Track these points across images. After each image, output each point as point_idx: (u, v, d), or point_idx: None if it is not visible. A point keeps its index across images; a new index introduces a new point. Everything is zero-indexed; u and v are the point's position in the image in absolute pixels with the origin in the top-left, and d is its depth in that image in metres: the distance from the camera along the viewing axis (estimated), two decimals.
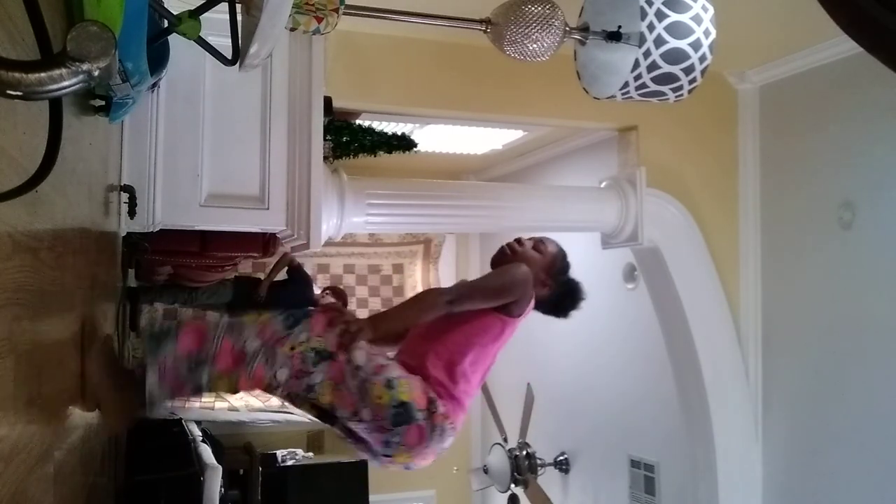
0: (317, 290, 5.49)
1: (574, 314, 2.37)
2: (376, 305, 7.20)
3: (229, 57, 1.82)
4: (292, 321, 1.89)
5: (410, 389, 1.88)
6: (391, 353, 2.09)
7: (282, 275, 5.20)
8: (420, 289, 7.18)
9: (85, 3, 1.23)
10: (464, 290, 2.11)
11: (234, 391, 1.92)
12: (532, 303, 2.18)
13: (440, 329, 2.06)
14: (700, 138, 4.31)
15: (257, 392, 1.89)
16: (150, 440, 3.40)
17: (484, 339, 2.08)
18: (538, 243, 2.32)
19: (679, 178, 4.23)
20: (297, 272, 5.26)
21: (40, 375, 1.18)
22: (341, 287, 6.12)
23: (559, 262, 2.30)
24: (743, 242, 4.34)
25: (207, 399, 5.46)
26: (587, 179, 4.56)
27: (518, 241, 2.34)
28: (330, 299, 5.35)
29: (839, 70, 3.80)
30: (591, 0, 2.16)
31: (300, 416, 5.03)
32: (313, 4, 1.88)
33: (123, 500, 2.85)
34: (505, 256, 2.28)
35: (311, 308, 1.92)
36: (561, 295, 2.29)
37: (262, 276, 5.40)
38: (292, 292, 5.12)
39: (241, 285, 5.00)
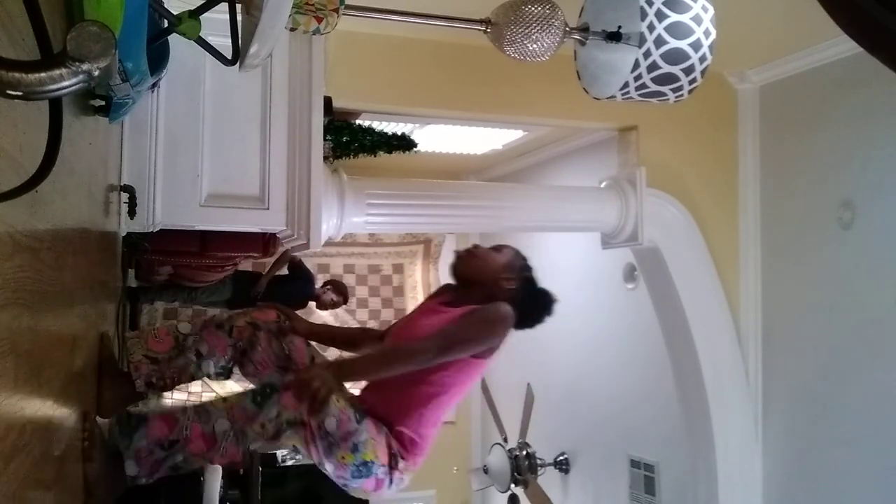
0: (318, 286, 5.49)
1: (559, 317, 2.28)
2: (376, 305, 7.21)
3: (229, 57, 1.82)
4: (260, 399, 1.88)
5: (375, 450, 1.90)
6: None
7: (283, 271, 5.20)
8: (420, 289, 7.18)
9: (85, 3, 1.23)
10: (445, 345, 1.95)
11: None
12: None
13: (412, 377, 1.98)
14: (700, 138, 4.31)
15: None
16: None
17: (459, 385, 2.05)
18: (495, 246, 2.30)
19: (679, 178, 4.23)
20: (298, 268, 5.26)
21: (40, 375, 1.18)
22: (342, 281, 6.11)
23: (519, 259, 2.26)
24: (743, 242, 4.34)
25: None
26: (587, 179, 4.56)
27: (475, 246, 2.32)
28: (332, 295, 5.35)
29: (839, 70, 3.80)
30: (591, 0, 2.16)
31: None
32: (313, 4, 1.88)
33: (123, 501, 2.85)
34: (467, 264, 2.23)
35: (275, 385, 1.90)
36: (528, 296, 2.19)
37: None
38: (293, 288, 5.13)
39: (240, 281, 5.00)
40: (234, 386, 5.28)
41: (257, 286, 4.95)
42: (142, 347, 2.03)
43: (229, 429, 1.87)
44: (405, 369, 1.95)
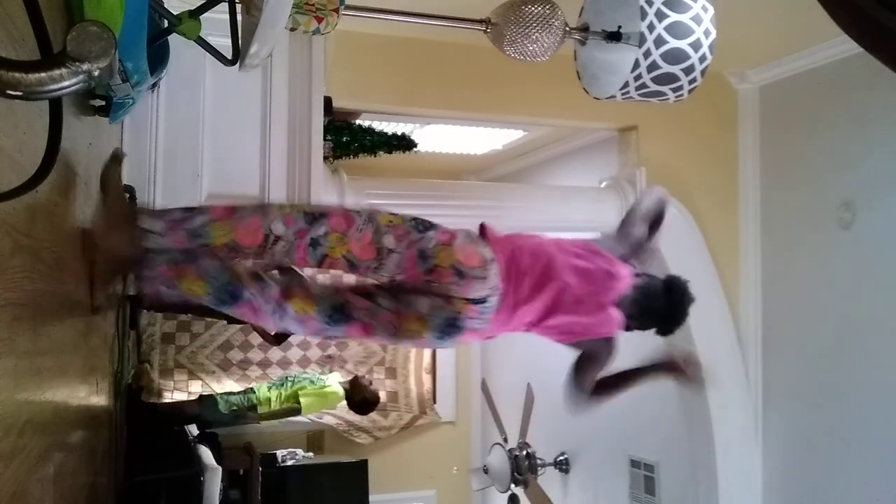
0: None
1: None
2: None
3: (229, 57, 1.82)
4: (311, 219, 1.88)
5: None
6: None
7: None
8: None
9: (85, 3, 1.23)
10: None
11: (229, 240, 1.84)
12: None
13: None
14: (700, 138, 4.31)
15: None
16: (150, 440, 3.40)
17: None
18: None
19: (679, 178, 4.22)
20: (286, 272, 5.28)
21: (40, 375, 1.18)
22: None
23: None
24: (743, 242, 4.34)
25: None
26: (587, 179, 4.56)
27: None
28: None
29: (839, 70, 3.79)
30: (591, 0, 2.16)
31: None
32: (313, 4, 1.88)
33: (123, 500, 2.85)
34: None
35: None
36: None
37: None
38: None
39: None
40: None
41: None
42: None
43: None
44: None
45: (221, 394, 4.75)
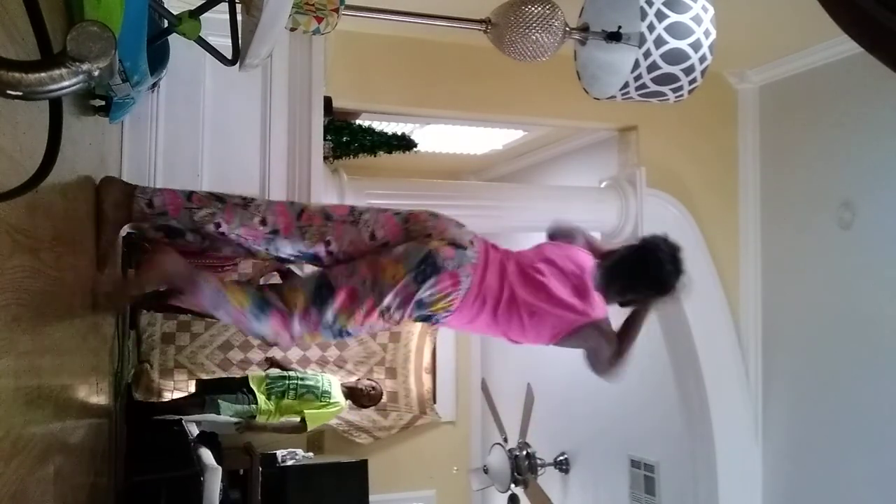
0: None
1: None
2: None
3: (229, 57, 1.82)
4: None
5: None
6: None
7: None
8: None
9: (85, 3, 1.24)
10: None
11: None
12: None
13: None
14: (700, 138, 4.31)
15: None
16: (150, 440, 3.40)
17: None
18: None
19: (679, 178, 4.22)
20: (287, 276, 5.23)
21: (40, 375, 1.18)
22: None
23: None
24: (743, 243, 4.34)
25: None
26: (587, 179, 4.55)
27: None
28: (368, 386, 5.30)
29: (839, 70, 3.79)
30: (591, 0, 2.16)
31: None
32: (313, 4, 1.88)
33: (123, 500, 2.85)
34: None
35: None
36: None
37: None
38: None
39: None
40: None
41: None
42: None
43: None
44: None
45: (223, 396, 4.64)
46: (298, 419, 4.74)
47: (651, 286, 2.14)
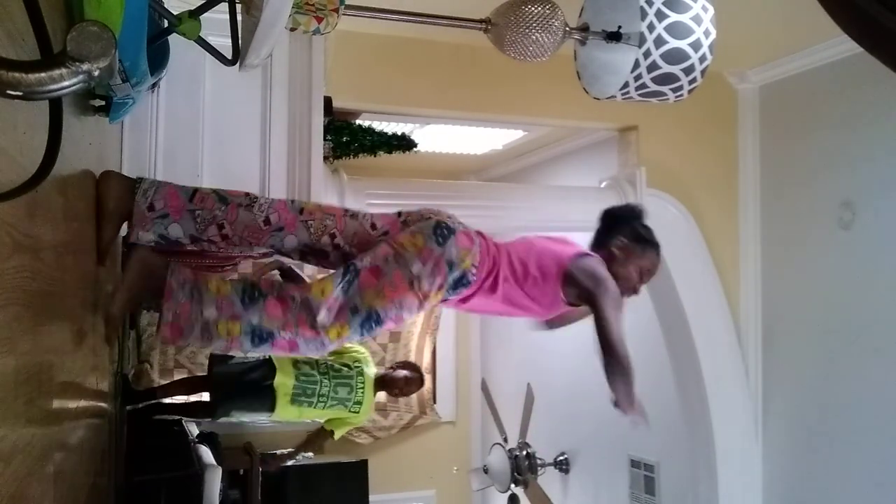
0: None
1: None
2: None
3: (229, 57, 1.82)
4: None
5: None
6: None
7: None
8: None
9: (85, 3, 1.24)
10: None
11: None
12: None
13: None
14: (700, 138, 4.31)
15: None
16: (150, 440, 3.40)
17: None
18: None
19: (679, 178, 4.23)
20: (287, 275, 5.12)
21: (40, 375, 1.18)
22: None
23: None
24: (743, 242, 4.34)
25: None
26: (587, 179, 4.56)
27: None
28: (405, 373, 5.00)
29: (839, 70, 3.79)
30: (591, 0, 2.16)
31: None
32: (313, 4, 1.88)
33: (123, 500, 2.85)
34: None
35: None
36: None
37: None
38: None
39: None
40: None
41: None
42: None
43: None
44: None
45: (238, 404, 4.01)
46: (327, 429, 4.33)
47: (628, 233, 2.45)
